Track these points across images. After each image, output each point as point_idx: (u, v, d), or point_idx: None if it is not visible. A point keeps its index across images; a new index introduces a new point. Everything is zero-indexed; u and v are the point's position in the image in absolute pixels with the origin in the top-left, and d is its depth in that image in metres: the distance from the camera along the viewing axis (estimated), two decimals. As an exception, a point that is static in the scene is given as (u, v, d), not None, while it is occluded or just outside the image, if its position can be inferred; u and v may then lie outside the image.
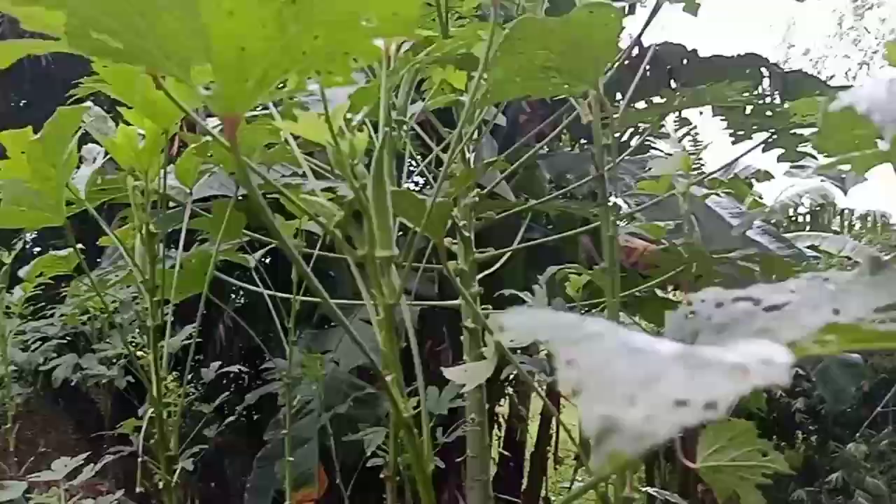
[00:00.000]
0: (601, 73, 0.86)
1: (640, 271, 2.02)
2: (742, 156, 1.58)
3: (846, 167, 0.51)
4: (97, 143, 1.06)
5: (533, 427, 3.87)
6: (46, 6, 0.39)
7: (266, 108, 0.82)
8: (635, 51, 2.22)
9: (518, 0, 1.19)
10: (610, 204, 0.98)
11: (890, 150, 0.38)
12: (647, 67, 1.37)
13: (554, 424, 3.65)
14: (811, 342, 0.32)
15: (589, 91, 0.92)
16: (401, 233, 0.75)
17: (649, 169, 1.71)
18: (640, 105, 2.18)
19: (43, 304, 2.78)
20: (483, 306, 1.42)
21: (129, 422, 2.02)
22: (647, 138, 3.52)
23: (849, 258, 4.17)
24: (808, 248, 3.98)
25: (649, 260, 1.95)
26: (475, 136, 1.45)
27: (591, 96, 0.93)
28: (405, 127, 0.96)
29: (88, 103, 0.94)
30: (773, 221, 3.78)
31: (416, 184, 2.65)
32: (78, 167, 1.02)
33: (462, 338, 1.47)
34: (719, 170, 2.04)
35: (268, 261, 2.65)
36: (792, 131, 1.42)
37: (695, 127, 4.61)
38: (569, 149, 3.91)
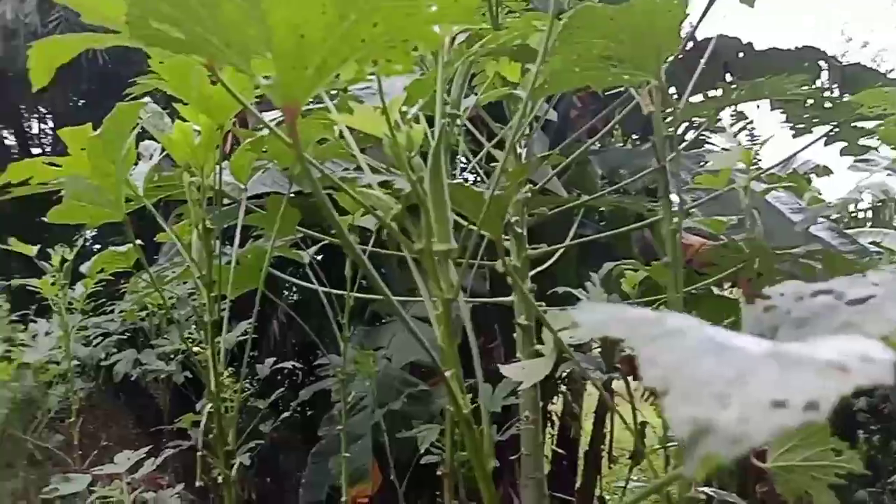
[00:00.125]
0: (663, 62, 0.84)
1: (696, 269, 1.98)
2: (802, 150, 1.54)
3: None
4: (154, 139, 1.07)
5: (587, 425, 3.82)
6: (107, -3, 0.38)
7: (320, 102, 0.82)
8: (689, 45, 2.17)
9: (572, -10, 1.17)
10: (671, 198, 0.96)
11: None
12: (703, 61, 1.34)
13: (608, 422, 3.60)
14: (903, 336, 0.30)
15: (650, 81, 0.89)
16: (454, 230, 0.73)
17: (706, 163, 1.66)
18: (695, 99, 2.13)
19: (103, 300, 2.84)
20: (537, 304, 1.40)
21: (187, 416, 2.05)
22: (703, 133, 3.45)
23: (914, 255, 4.01)
24: (871, 244, 3.85)
25: (705, 257, 1.90)
26: (527, 130, 1.43)
27: (653, 86, 0.90)
28: (458, 122, 0.95)
29: (146, 99, 0.95)
30: (833, 217, 3.67)
31: (466, 180, 2.64)
32: (136, 164, 1.04)
33: (515, 335, 1.46)
34: (778, 164, 1.99)
35: (321, 257, 2.67)
36: (853, 124, 1.37)
37: (751, 121, 4.50)
38: (621, 144, 3.85)
